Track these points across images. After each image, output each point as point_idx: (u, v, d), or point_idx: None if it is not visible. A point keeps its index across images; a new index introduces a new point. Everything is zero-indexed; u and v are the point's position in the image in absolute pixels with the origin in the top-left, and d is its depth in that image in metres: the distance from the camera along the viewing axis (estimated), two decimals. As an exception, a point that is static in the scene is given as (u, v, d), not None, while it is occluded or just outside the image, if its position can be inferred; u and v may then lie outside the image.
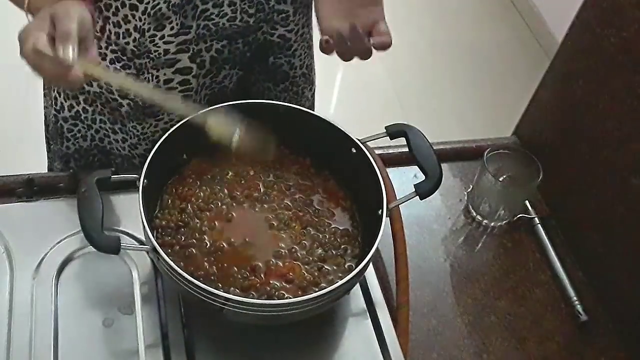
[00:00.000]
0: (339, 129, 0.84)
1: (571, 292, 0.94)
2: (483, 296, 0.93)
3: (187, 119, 0.81)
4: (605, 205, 0.95)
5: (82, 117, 0.97)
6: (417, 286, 0.91)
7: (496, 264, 0.97)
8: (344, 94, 2.56)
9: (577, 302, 0.93)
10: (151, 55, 0.87)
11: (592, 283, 0.96)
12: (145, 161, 0.76)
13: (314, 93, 1.09)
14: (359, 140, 0.84)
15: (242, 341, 0.79)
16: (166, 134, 0.80)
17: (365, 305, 0.83)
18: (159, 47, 0.86)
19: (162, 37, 0.85)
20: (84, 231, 0.71)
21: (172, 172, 0.85)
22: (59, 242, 0.84)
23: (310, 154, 0.89)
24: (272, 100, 1.00)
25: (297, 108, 0.86)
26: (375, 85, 2.56)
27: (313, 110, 1.09)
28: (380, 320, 0.81)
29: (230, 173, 0.86)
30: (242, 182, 0.86)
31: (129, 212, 0.87)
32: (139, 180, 0.75)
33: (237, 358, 0.78)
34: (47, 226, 0.86)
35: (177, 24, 0.84)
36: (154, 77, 0.89)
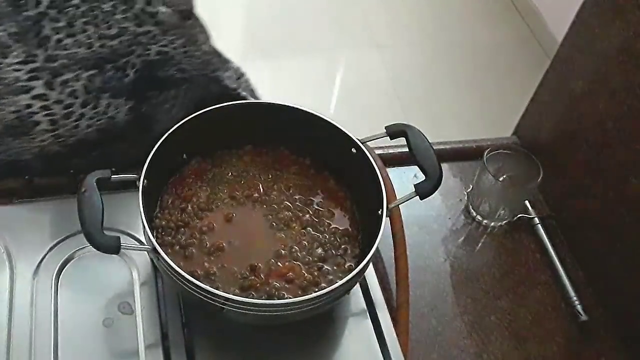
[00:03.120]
0: (339, 129, 0.84)
1: (571, 292, 0.94)
2: (483, 296, 0.93)
3: (186, 119, 0.81)
4: (605, 205, 0.95)
5: None
6: (417, 286, 0.91)
7: (496, 264, 0.97)
8: (344, 94, 2.55)
9: (577, 302, 0.93)
10: (5, 82, 0.83)
11: (592, 283, 0.96)
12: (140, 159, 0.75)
13: (237, 70, 1.01)
14: (359, 140, 0.83)
15: (242, 341, 0.79)
16: (166, 134, 0.80)
17: (365, 305, 0.83)
18: (10, 74, 0.83)
19: (10, 64, 0.82)
20: (84, 231, 0.71)
21: (172, 172, 0.85)
22: (59, 242, 0.84)
23: (310, 154, 0.89)
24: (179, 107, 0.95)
25: (297, 108, 0.86)
26: (375, 85, 2.55)
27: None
28: (380, 320, 0.81)
29: (230, 173, 0.87)
30: (242, 182, 0.86)
31: (129, 212, 0.87)
32: (139, 180, 0.75)
33: (237, 358, 0.78)
34: (47, 226, 0.86)
35: (22, 52, 0.81)
36: (14, 103, 0.85)
